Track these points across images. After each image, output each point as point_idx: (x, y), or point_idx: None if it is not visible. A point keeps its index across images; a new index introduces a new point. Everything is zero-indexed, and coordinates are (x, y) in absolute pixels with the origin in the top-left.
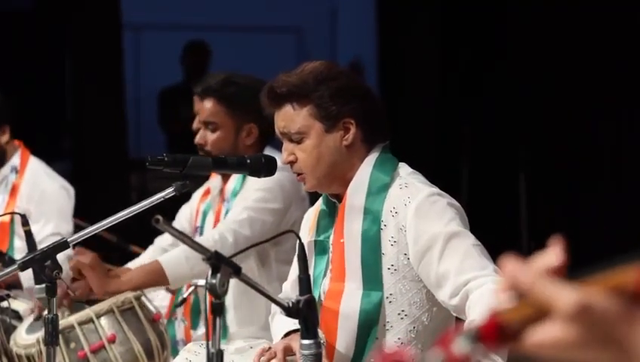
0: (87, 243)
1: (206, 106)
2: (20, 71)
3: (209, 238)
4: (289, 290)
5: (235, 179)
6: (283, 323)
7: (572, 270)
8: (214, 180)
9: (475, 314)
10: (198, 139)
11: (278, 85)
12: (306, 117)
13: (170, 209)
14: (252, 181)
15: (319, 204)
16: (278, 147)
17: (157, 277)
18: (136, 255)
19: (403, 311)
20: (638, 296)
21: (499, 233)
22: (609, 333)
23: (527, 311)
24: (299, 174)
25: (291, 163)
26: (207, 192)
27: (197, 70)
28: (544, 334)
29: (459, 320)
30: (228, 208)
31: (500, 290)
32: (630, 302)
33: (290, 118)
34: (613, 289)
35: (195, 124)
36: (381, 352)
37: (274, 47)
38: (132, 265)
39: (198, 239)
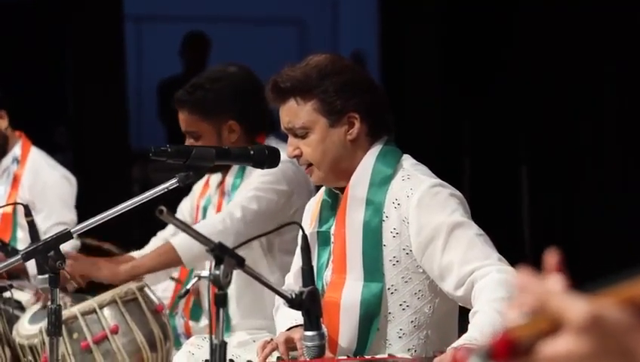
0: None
1: (182, 117)
2: (20, 63)
3: (217, 216)
4: (292, 282)
5: (234, 173)
6: (286, 317)
7: (574, 261)
8: (215, 175)
9: (480, 304)
10: None
11: (282, 80)
12: (310, 112)
13: (171, 201)
14: (254, 172)
15: (321, 194)
16: (283, 138)
17: (170, 259)
18: None
19: (405, 302)
20: None
21: (501, 226)
22: (621, 345)
23: (538, 326)
24: (307, 167)
25: (297, 157)
26: (207, 185)
27: (196, 62)
28: (556, 347)
29: (462, 312)
30: (229, 201)
31: (512, 306)
32: None
33: (294, 113)
34: (624, 302)
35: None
36: None
37: (275, 39)
38: (136, 254)
39: (206, 218)
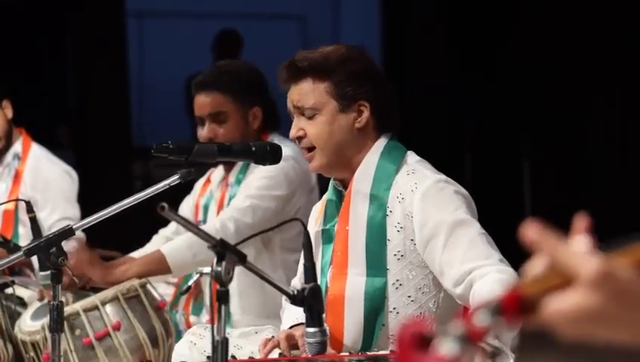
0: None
1: (209, 99)
2: (21, 60)
3: (211, 227)
4: (298, 283)
5: (238, 167)
6: (290, 316)
7: None
8: (216, 171)
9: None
10: (206, 133)
11: (300, 59)
12: (323, 93)
13: (172, 198)
14: (256, 169)
15: (326, 196)
16: (286, 135)
17: (159, 266)
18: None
19: (410, 296)
20: None
21: (502, 221)
22: (628, 302)
23: (549, 283)
24: (308, 152)
25: (300, 138)
26: (208, 182)
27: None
28: (565, 301)
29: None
30: (231, 195)
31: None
32: None
33: (306, 92)
34: (635, 263)
35: (199, 123)
36: (402, 326)
37: (276, 35)
38: (137, 254)
39: (205, 222)
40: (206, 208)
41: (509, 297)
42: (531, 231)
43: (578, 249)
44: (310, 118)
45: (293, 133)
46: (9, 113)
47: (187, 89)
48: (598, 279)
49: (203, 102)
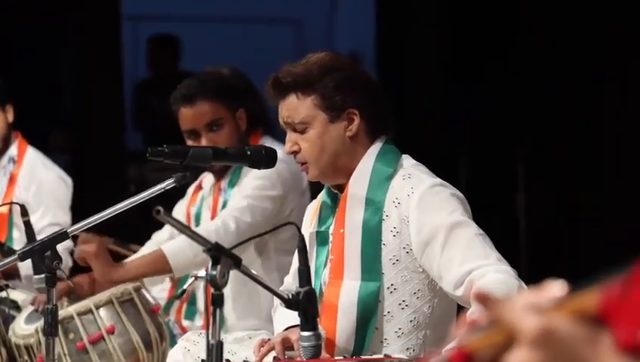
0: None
1: (203, 109)
2: (16, 64)
3: (211, 226)
4: (291, 282)
5: (230, 173)
6: (284, 318)
7: (570, 260)
8: (208, 177)
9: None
10: (205, 144)
11: (283, 75)
12: (311, 107)
13: (166, 201)
14: (249, 171)
15: (321, 196)
16: (279, 138)
17: (160, 266)
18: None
19: (404, 301)
20: (600, 320)
21: (497, 225)
22: (571, 357)
23: (493, 339)
24: (302, 164)
25: (294, 153)
26: (198, 189)
27: (167, 63)
28: (510, 360)
29: (460, 312)
30: (225, 199)
31: (467, 319)
32: (593, 325)
33: (294, 107)
34: (576, 314)
35: (189, 136)
36: None
37: (272, 39)
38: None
39: (200, 226)
40: (197, 216)
41: (457, 354)
42: (477, 293)
43: (521, 305)
44: (302, 132)
45: (287, 148)
46: (10, 117)
47: (136, 96)
48: (539, 336)
49: (194, 114)
